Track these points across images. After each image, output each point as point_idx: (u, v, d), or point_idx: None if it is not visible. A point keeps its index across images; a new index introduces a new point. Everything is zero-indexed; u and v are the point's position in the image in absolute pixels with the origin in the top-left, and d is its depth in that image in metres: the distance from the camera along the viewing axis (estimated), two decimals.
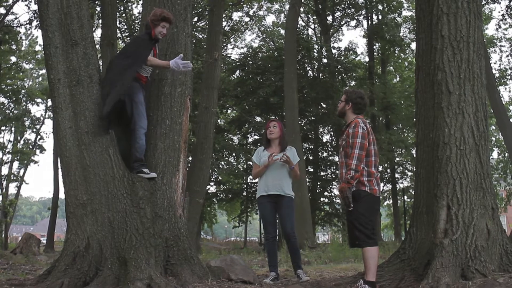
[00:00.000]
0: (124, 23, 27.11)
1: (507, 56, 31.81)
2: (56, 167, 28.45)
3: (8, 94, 31.38)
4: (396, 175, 32.37)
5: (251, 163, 31.57)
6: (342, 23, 32.65)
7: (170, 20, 6.25)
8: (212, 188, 30.98)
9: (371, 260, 5.24)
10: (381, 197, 5.51)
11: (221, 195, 32.41)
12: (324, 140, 31.77)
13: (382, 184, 32.44)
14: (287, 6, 30.12)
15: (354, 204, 5.34)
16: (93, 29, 21.33)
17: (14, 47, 27.89)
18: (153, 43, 6.28)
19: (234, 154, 30.55)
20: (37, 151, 37.26)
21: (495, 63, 35.29)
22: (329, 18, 31.48)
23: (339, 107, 5.85)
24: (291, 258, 7.27)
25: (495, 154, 35.33)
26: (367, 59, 32.32)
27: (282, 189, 7.07)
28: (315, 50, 29.75)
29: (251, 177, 31.28)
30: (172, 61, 6.15)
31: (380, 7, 30.51)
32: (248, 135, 31.44)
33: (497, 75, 30.56)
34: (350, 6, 30.86)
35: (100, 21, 20.41)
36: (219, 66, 17.27)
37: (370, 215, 5.39)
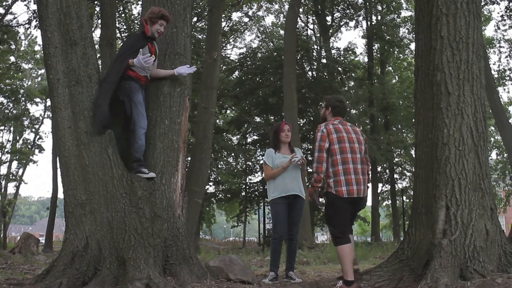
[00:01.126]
0: (123, 23, 27.10)
1: (506, 57, 31.85)
2: (55, 166, 28.46)
3: (7, 94, 31.39)
4: (395, 176, 32.39)
5: (250, 163, 31.74)
6: (341, 24, 32.67)
7: (168, 18, 6.30)
8: (211, 188, 31.01)
9: (341, 259, 5.46)
10: (354, 197, 5.53)
11: (220, 195, 32.42)
12: None
13: (380, 185, 32.49)
14: (286, 7, 30.14)
15: (325, 206, 5.67)
16: (93, 29, 21.35)
17: (13, 47, 27.86)
18: (148, 40, 6.29)
19: (233, 154, 30.57)
20: (36, 151, 37.26)
21: (494, 64, 35.29)
22: (328, 18, 31.49)
23: (321, 112, 6.24)
24: (287, 258, 7.29)
25: (493, 155, 35.42)
26: (366, 59, 32.34)
27: (300, 190, 7.17)
28: (314, 51, 29.76)
29: (250, 177, 31.37)
30: (176, 70, 6.38)
31: (379, 7, 30.51)
32: (247, 135, 31.46)
33: (496, 76, 30.59)
34: (349, 7, 30.87)
35: (99, 21, 20.43)
36: (218, 66, 17.29)
37: (338, 216, 5.58)
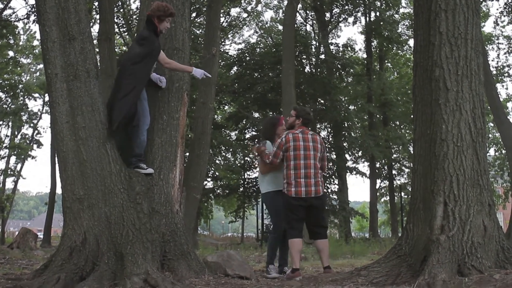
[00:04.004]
0: (121, 18, 27.04)
1: (505, 53, 31.88)
2: (53, 162, 28.43)
3: (5, 89, 31.31)
4: (393, 172, 32.41)
5: (248, 159, 31.76)
6: (340, 20, 32.62)
7: (174, 14, 6.32)
8: (209, 184, 31.01)
9: (290, 250, 6.71)
10: (303, 197, 6.67)
11: (218, 191, 32.42)
12: (322, 137, 31.76)
13: (379, 181, 32.52)
14: (285, 2, 30.10)
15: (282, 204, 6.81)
16: (91, 24, 21.29)
17: (12, 41, 27.80)
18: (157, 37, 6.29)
19: (231, 150, 30.57)
20: (34, 146, 37.17)
21: (492, 61, 35.34)
22: (327, 14, 31.44)
23: (289, 120, 7.17)
24: (283, 254, 7.32)
25: (492, 151, 35.45)
26: (365, 55, 32.32)
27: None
28: (313, 46, 29.72)
29: (248, 172, 31.42)
30: (196, 69, 6.45)
31: (378, 3, 30.47)
32: (246, 131, 31.46)
33: (494, 72, 30.60)
34: (348, 3, 30.82)
35: (97, 16, 20.38)
36: (217, 62, 17.27)
37: (287, 212, 6.71)
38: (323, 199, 6.94)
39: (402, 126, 32.51)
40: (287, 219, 6.76)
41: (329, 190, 28.58)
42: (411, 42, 28.70)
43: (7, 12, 23.37)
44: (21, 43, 35.20)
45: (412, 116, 6.56)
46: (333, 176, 27.99)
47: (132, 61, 6.15)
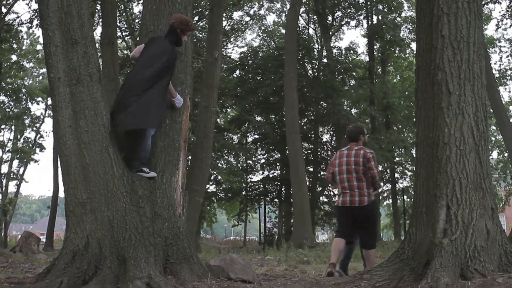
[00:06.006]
0: (124, 22, 27.11)
1: (507, 56, 31.86)
2: (56, 165, 28.46)
3: (8, 93, 31.39)
4: (396, 175, 32.38)
5: (250, 162, 31.78)
6: (342, 23, 32.64)
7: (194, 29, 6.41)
8: (211, 187, 31.01)
9: (332, 246, 7.54)
10: (347, 206, 7.43)
11: (221, 194, 32.41)
12: (324, 140, 31.81)
13: (382, 184, 32.44)
14: (288, 6, 30.11)
15: None
16: (94, 28, 21.36)
17: (15, 45, 27.88)
18: None
19: (233, 153, 30.58)
20: (37, 150, 37.26)
21: (495, 64, 35.32)
22: (330, 17, 31.46)
23: None
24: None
25: (494, 154, 35.40)
26: (367, 58, 32.31)
27: None
28: (315, 50, 29.73)
29: (251, 176, 31.40)
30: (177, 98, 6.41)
31: (380, 7, 30.48)
32: (248, 134, 31.47)
33: (497, 75, 30.58)
34: (351, 6, 30.84)
35: (100, 20, 20.43)
36: (219, 65, 17.31)
37: (337, 218, 8.10)
38: (365, 209, 7.37)
39: (404, 130, 32.49)
40: (337, 222, 8.08)
41: (331, 193, 28.58)
42: (414, 45, 28.68)
43: (11, 16, 23.51)
44: (24, 47, 35.29)
45: (414, 120, 6.56)
46: None
47: (155, 73, 6.16)
